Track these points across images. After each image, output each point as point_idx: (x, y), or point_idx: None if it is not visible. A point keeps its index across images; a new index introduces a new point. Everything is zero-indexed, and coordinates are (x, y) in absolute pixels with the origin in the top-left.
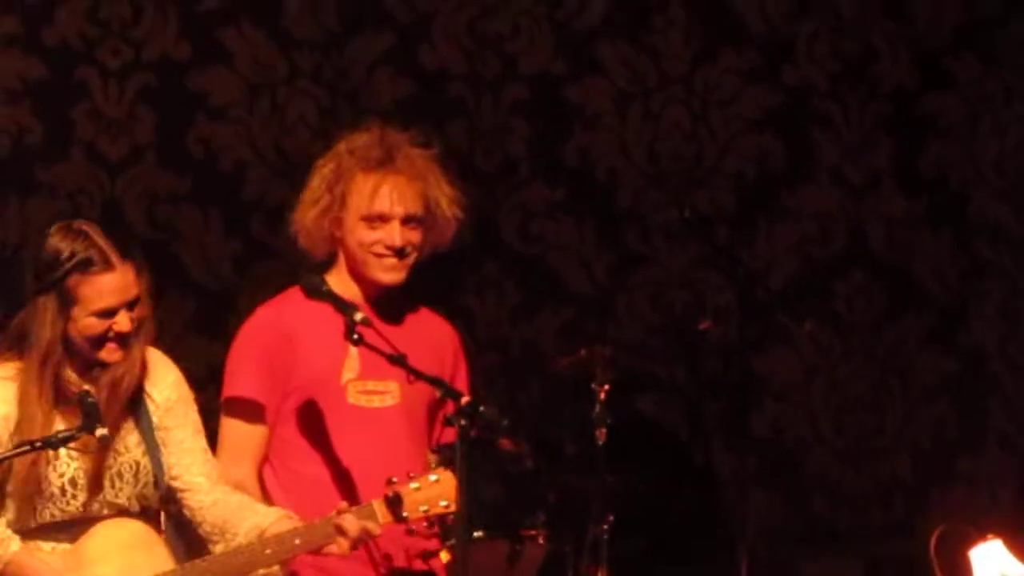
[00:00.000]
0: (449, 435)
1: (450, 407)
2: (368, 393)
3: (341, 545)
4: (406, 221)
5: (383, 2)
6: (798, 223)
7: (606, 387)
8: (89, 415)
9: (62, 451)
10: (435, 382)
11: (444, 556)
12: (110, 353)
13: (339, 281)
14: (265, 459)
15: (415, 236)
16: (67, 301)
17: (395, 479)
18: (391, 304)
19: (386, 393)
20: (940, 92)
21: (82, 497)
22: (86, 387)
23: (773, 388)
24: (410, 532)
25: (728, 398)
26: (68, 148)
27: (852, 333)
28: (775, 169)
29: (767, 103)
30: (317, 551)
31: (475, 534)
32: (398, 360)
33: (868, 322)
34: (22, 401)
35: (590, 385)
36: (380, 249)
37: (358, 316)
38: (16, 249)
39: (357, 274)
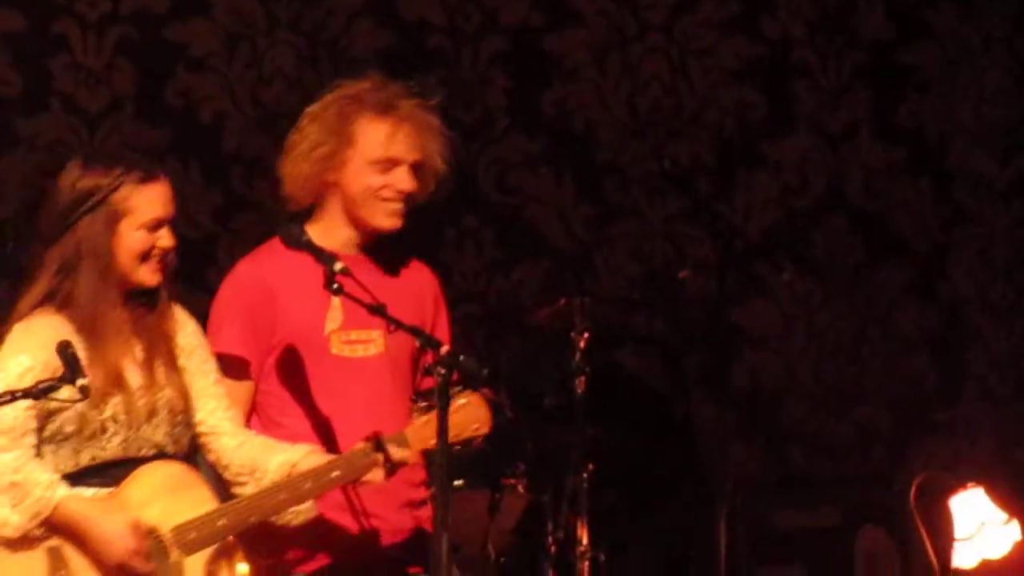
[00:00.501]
0: (428, 382)
1: (431, 355)
2: (352, 343)
3: (377, 475)
4: (413, 167)
5: None
6: (777, 173)
7: (585, 336)
8: (70, 365)
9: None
10: (415, 332)
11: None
12: (152, 274)
13: (321, 230)
14: (251, 414)
15: (418, 183)
16: (114, 217)
17: (422, 403)
18: (372, 252)
19: (370, 342)
20: (918, 41)
21: (123, 434)
22: (66, 339)
23: (752, 338)
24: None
25: (708, 349)
26: (47, 100)
27: (831, 282)
28: (754, 120)
29: (746, 53)
30: (355, 483)
31: (456, 483)
32: (378, 310)
33: (847, 271)
34: (91, 332)
35: (569, 335)
36: (388, 193)
37: (337, 266)
38: None
39: (355, 219)
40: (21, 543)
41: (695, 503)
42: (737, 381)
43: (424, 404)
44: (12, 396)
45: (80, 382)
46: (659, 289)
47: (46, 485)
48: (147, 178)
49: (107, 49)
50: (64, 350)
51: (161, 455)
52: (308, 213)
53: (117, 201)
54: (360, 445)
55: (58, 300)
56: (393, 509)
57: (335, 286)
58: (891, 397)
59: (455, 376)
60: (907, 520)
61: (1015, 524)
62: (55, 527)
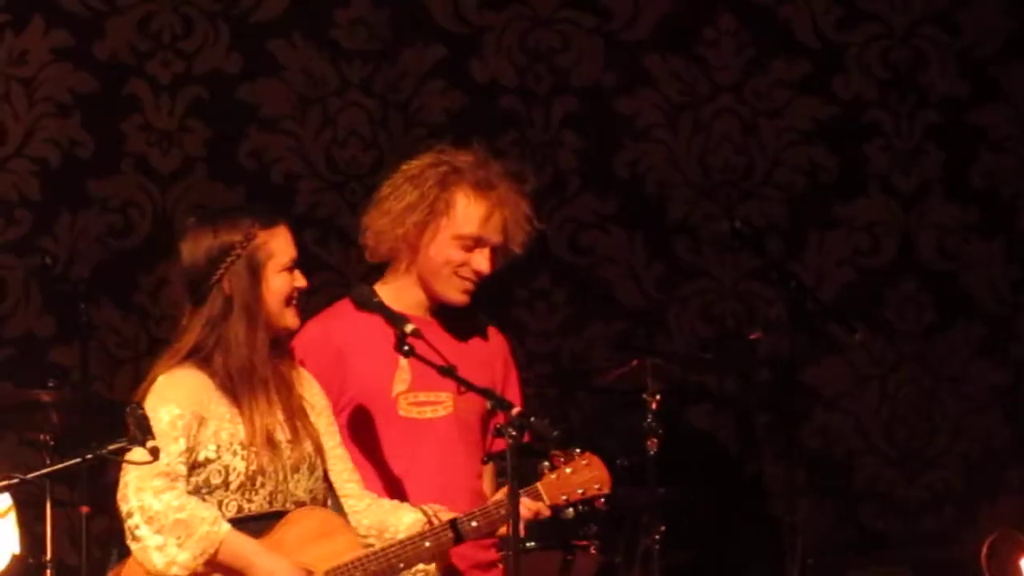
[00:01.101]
0: (500, 444)
1: (501, 417)
2: (420, 404)
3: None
4: (495, 249)
5: (434, 14)
6: (849, 234)
7: (657, 398)
8: (140, 427)
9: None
10: (485, 393)
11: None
12: (294, 317)
13: (393, 291)
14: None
15: (496, 259)
16: (258, 265)
17: (546, 463)
18: (442, 313)
19: (438, 404)
20: (989, 101)
21: (269, 487)
22: (134, 403)
23: (824, 398)
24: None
25: (779, 409)
26: (119, 161)
27: (903, 343)
28: (825, 180)
29: (817, 113)
30: (491, 535)
31: (528, 544)
32: (448, 371)
33: (919, 332)
34: (240, 384)
35: (641, 396)
36: (466, 272)
37: (408, 328)
38: (68, 262)
39: (426, 286)
40: None
41: (767, 563)
42: (808, 441)
43: (549, 463)
44: (83, 459)
45: (150, 444)
46: (730, 349)
47: (212, 521)
48: (273, 222)
49: (179, 110)
50: (135, 412)
51: (289, 502)
52: (379, 273)
53: (256, 249)
54: (498, 495)
55: (201, 355)
56: (464, 569)
57: (406, 348)
58: (962, 457)
59: (526, 438)
60: None
61: None
62: (219, 565)
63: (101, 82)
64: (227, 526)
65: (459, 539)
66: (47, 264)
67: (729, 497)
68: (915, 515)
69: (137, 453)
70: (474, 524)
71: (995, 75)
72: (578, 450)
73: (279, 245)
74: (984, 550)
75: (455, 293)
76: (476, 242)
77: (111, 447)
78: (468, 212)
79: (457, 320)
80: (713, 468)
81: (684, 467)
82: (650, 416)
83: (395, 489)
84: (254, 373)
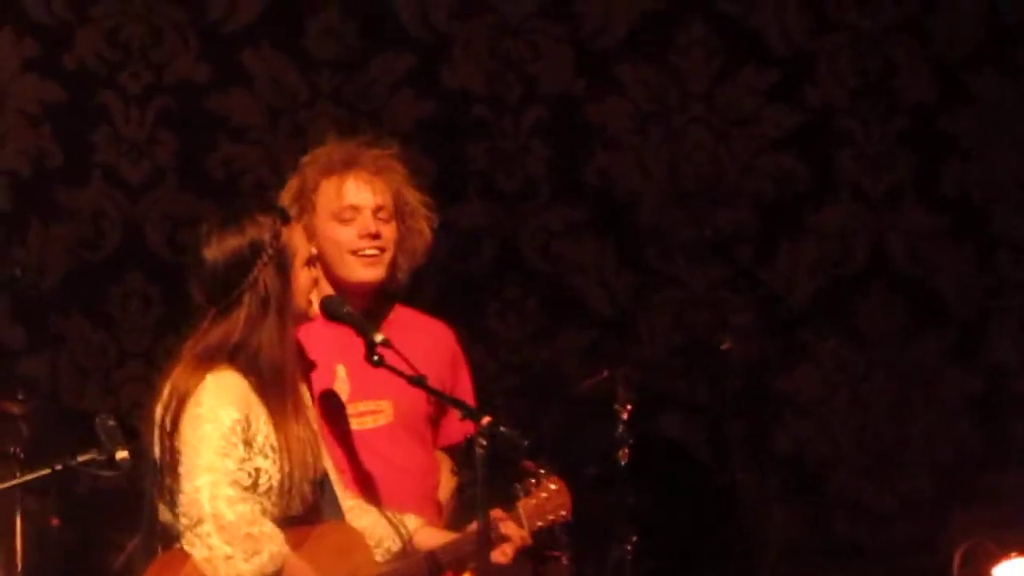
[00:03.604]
0: (456, 435)
1: (452, 413)
2: (361, 415)
3: (507, 553)
4: (377, 211)
5: (404, 23)
6: (819, 241)
7: (628, 407)
8: (110, 437)
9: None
10: (455, 403)
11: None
12: (314, 310)
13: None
14: None
15: (388, 230)
16: (286, 262)
17: (518, 486)
18: (384, 316)
19: (379, 412)
20: (961, 106)
21: (293, 491)
22: (106, 414)
23: (795, 406)
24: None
25: (750, 417)
26: (88, 171)
27: (874, 349)
28: (796, 187)
29: (788, 121)
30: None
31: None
32: (418, 381)
33: (890, 338)
34: (275, 388)
35: (612, 405)
36: (356, 244)
37: (378, 338)
38: (37, 273)
39: (336, 281)
40: None
41: (739, 571)
42: (780, 448)
43: (522, 486)
44: (53, 470)
45: (120, 455)
46: (701, 357)
47: (279, 542)
48: (288, 217)
49: (149, 120)
50: (104, 423)
51: (312, 511)
52: None
53: (284, 246)
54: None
55: (243, 357)
56: None
57: (375, 358)
58: (934, 463)
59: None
60: None
61: None
62: None
63: (70, 92)
64: (287, 548)
65: (435, 572)
66: (16, 275)
67: (701, 506)
68: (888, 522)
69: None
70: (450, 557)
71: (966, 81)
72: (543, 471)
73: (299, 239)
74: (957, 559)
75: (359, 270)
76: (352, 211)
77: (81, 458)
78: (327, 191)
79: (403, 320)
80: (685, 476)
81: (656, 476)
82: (621, 426)
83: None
84: (285, 374)
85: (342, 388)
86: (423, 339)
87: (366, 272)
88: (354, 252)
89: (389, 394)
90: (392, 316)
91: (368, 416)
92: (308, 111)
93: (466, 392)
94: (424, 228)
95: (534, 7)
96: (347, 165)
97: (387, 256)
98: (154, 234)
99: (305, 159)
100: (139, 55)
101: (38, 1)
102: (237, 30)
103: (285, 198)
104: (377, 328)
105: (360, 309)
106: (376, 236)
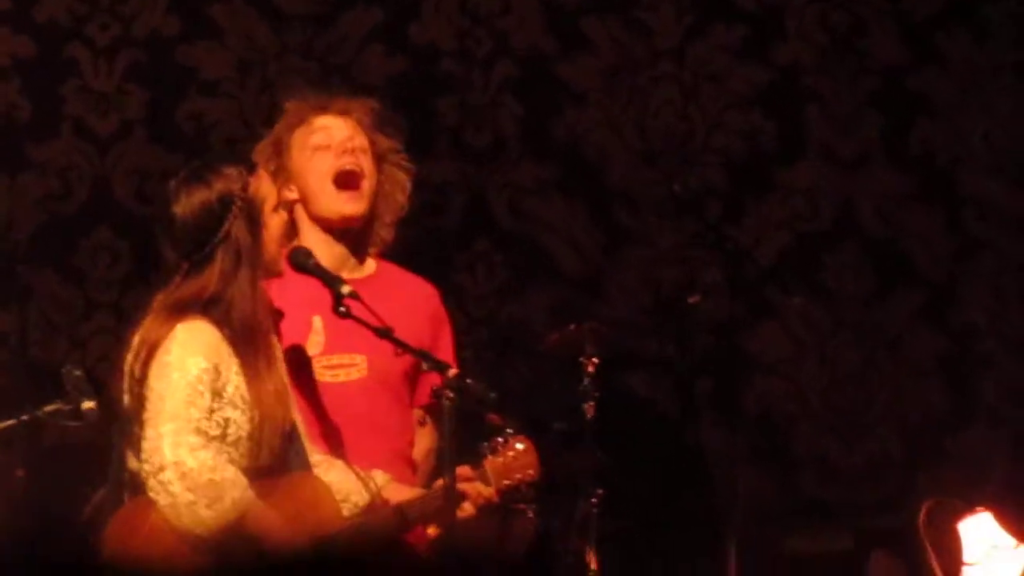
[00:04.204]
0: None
1: (430, 375)
2: (333, 368)
3: (466, 510)
4: (349, 142)
5: None
6: (788, 199)
7: (595, 362)
8: (76, 388)
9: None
10: (421, 355)
11: (432, 530)
12: (284, 260)
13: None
14: None
15: (366, 162)
16: (256, 211)
17: (485, 444)
18: (369, 269)
19: (352, 366)
20: (929, 67)
21: (262, 442)
22: (72, 365)
23: (763, 364)
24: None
25: (718, 375)
26: (57, 125)
27: (842, 309)
28: (764, 145)
29: (756, 78)
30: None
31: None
32: (385, 333)
33: (858, 298)
34: (247, 340)
35: (578, 360)
36: (334, 163)
37: (345, 289)
38: (6, 227)
39: (321, 220)
40: None
41: (706, 529)
42: (747, 407)
43: (489, 444)
44: (19, 420)
45: (86, 405)
46: (669, 314)
47: (242, 487)
48: (253, 166)
49: (117, 73)
50: (70, 373)
51: (280, 464)
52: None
53: (252, 195)
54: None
55: (216, 309)
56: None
57: (342, 309)
58: (902, 423)
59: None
60: (917, 545)
61: None
62: (240, 531)
63: (39, 45)
64: (252, 494)
65: (402, 527)
66: None
67: (668, 463)
68: (855, 482)
69: (71, 414)
70: (417, 513)
71: (935, 40)
72: (510, 429)
73: (267, 187)
74: (922, 516)
75: (343, 204)
76: (326, 136)
77: (47, 409)
78: (301, 134)
79: (385, 276)
80: (652, 434)
81: (622, 433)
82: (587, 381)
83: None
84: (257, 326)
85: (317, 340)
86: (404, 295)
87: (348, 206)
88: (334, 177)
89: (364, 348)
90: (376, 271)
91: (341, 370)
92: (278, 65)
93: (446, 352)
94: (401, 177)
95: None
96: (316, 109)
97: (367, 187)
98: (123, 187)
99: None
100: (108, 7)
101: None
102: None
103: (261, 150)
104: (356, 282)
105: (345, 261)
106: (352, 152)
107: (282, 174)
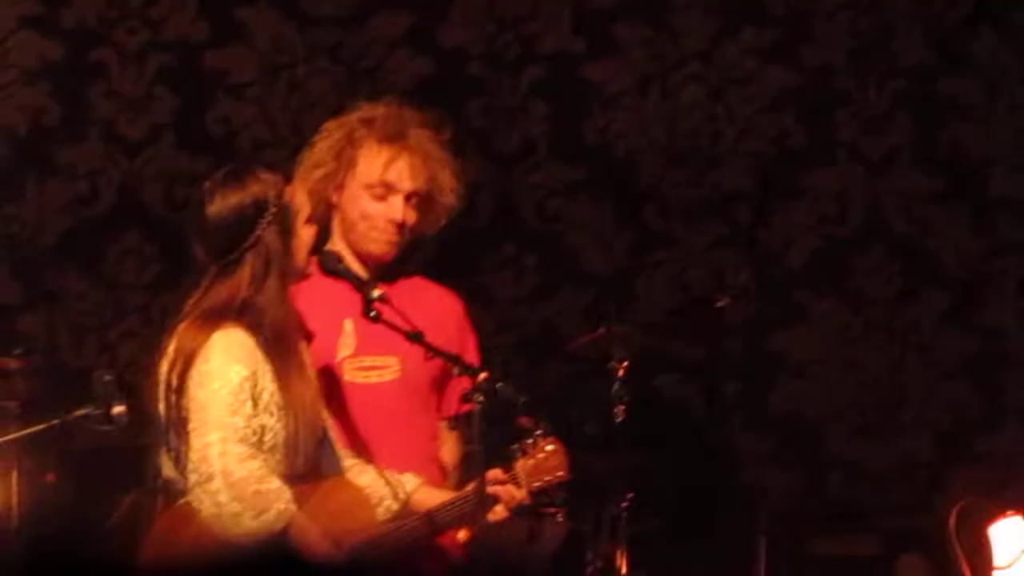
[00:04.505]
0: (459, 407)
1: (460, 380)
2: (366, 369)
3: (499, 513)
4: (409, 197)
5: None
6: (816, 202)
7: (624, 365)
8: (106, 393)
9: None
10: (452, 359)
11: (463, 534)
12: (314, 268)
13: (345, 255)
14: None
15: (413, 215)
16: (288, 219)
17: (515, 446)
18: (391, 279)
19: (385, 368)
20: (958, 68)
21: (298, 449)
22: (102, 370)
23: (791, 366)
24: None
25: (746, 377)
26: (86, 129)
27: (870, 311)
28: (793, 147)
29: (785, 81)
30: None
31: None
32: (415, 337)
33: (886, 300)
34: (279, 345)
35: (608, 364)
36: (380, 223)
37: (375, 293)
38: (35, 230)
39: (351, 244)
40: None
41: (734, 531)
42: (776, 409)
43: (519, 446)
44: (49, 425)
45: (116, 410)
46: (698, 316)
47: (287, 499)
48: (290, 175)
49: (146, 77)
50: (101, 378)
51: (314, 469)
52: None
53: (286, 205)
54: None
55: (249, 316)
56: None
57: (372, 313)
58: (931, 424)
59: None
60: (947, 548)
61: None
62: (282, 539)
63: (68, 50)
64: (295, 506)
65: (434, 532)
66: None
67: (697, 465)
68: (884, 484)
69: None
70: (449, 517)
71: (963, 43)
72: (539, 432)
73: (302, 198)
74: (952, 519)
75: (374, 245)
76: (385, 189)
77: (77, 413)
78: (372, 160)
79: (407, 285)
80: (681, 436)
81: (652, 435)
82: (617, 383)
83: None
84: (288, 332)
85: (348, 342)
86: (431, 303)
87: (378, 246)
88: (377, 229)
89: (396, 351)
90: (401, 280)
91: (374, 371)
92: (305, 68)
93: (472, 359)
94: (447, 211)
95: None
96: (397, 138)
97: (404, 238)
98: (151, 191)
99: (358, 115)
100: (136, 12)
101: None
102: None
103: (328, 138)
104: (384, 288)
105: (371, 270)
106: (402, 225)
107: (334, 180)
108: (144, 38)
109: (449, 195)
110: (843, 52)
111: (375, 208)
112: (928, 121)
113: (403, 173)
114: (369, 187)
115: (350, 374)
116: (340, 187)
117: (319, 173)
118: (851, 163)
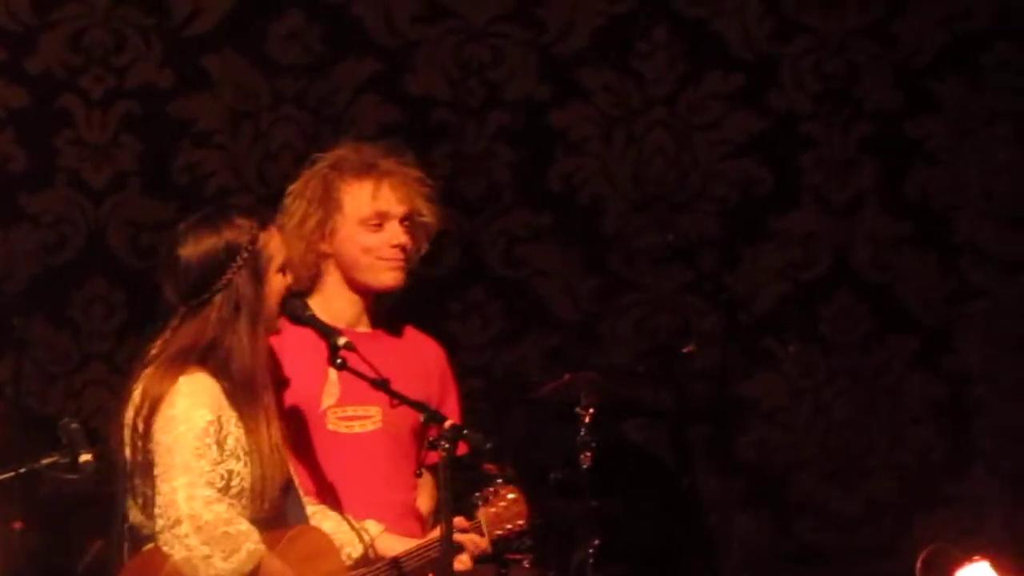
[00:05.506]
0: (434, 457)
1: (435, 430)
2: (348, 419)
3: (464, 562)
4: (403, 220)
5: (367, 28)
6: (782, 247)
7: (591, 411)
8: (73, 441)
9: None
10: (418, 406)
11: None
12: (281, 319)
13: (323, 304)
14: None
15: (409, 239)
16: (260, 266)
17: (477, 495)
18: (377, 326)
19: (367, 418)
20: (925, 113)
21: (264, 494)
22: (69, 418)
23: (759, 411)
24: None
25: (714, 422)
26: (51, 176)
27: (837, 355)
28: (759, 192)
29: (751, 126)
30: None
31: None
32: (381, 385)
33: (853, 344)
34: (246, 391)
35: (574, 409)
36: (386, 252)
37: (341, 341)
38: (2, 277)
39: (356, 285)
40: None
41: None
42: (743, 454)
43: (481, 495)
44: (16, 472)
45: (83, 458)
46: (665, 362)
47: (256, 540)
48: (267, 222)
49: (112, 125)
50: (68, 426)
51: (279, 516)
52: (309, 289)
53: (259, 250)
54: (433, 533)
55: (214, 360)
56: None
57: (339, 361)
58: (898, 469)
59: (460, 450)
60: None
61: None
62: None
63: (34, 97)
64: (264, 546)
65: None
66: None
67: (664, 511)
68: (851, 528)
69: (69, 466)
70: (414, 564)
71: (929, 86)
72: (500, 480)
73: (275, 245)
74: (919, 563)
75: (384, 275)
76: (381, 218)
77: (44, 461)
78: (358, 195)
79: (392, 333)
80: (648, 481)
81: (619, 480)
82: (584, 430)
83: (325, 503)
84: (255, 379)
85: (332, 391)
86: (413, 351)
87: (390, 276)
88: (383, 259)
89: (378, 401)
90: (386, 326)
91: (356, 421)
92: (271, 115)
93: (452, 410)
94: (429, 232)
95: (498, 12)
96: (373, 169)
97: (409, 265)
98: (117, 239)
99: (323, 163)
100: (101, 59)
101: (0, 6)
102: (200, 34)
103: (302, 195)
104: (367, 336)
105: (361, 317)
106: (404, 248)
107: (322, 228)
108: (110, 85)
109: (429, 216)
110: (808, 97)
111: (375, 239)
112: (895, 165)
113: (391, 199)
114: (364, 221)
115: (333, 423)
116: (332, 233)
117: (307, 227)
118: (817, 208)
